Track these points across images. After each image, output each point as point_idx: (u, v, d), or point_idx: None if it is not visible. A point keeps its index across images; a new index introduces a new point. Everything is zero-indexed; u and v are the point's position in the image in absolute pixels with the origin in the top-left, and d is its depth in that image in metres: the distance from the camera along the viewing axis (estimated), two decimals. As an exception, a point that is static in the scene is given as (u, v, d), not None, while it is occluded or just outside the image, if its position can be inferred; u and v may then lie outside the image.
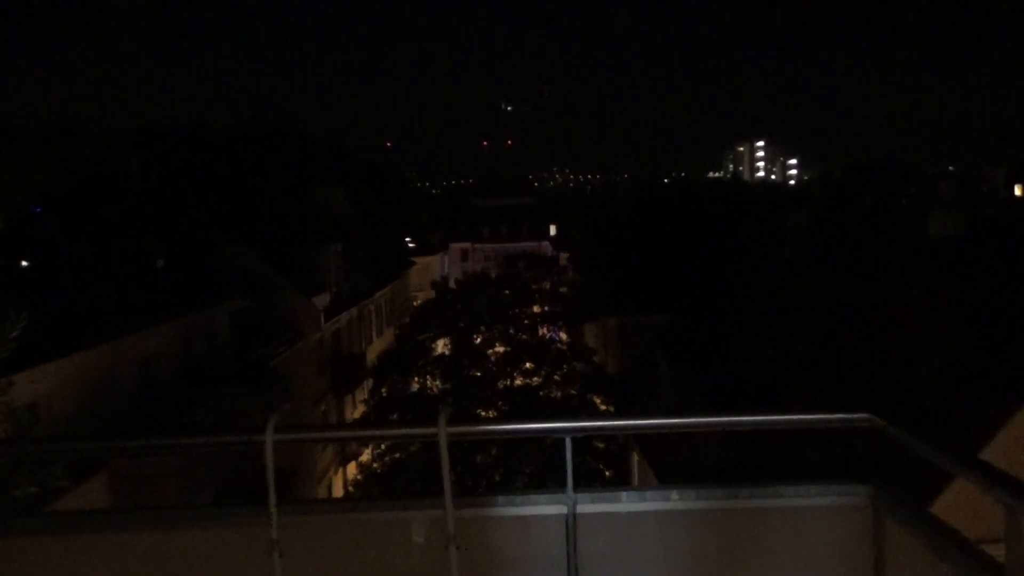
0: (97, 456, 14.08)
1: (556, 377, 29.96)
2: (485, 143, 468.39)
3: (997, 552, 2.23)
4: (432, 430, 2.62)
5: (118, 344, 19.67)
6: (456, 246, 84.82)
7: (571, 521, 2.77)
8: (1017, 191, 76.51)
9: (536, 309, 33.81)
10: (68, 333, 17.96)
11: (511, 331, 31.79)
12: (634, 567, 2.82)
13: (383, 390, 31.14)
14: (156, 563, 2.79)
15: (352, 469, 34.38)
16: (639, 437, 19.31)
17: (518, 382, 30.01)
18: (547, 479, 24.33)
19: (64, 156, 31.65)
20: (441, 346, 33.05)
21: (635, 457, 22.73)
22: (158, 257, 24.75)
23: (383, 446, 27.84)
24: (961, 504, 9.94)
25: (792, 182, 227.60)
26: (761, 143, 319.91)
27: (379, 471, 28.38)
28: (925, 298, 16.40)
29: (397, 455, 27.40)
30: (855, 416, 2.71)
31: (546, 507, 2.81)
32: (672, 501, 2.82)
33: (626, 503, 2.82)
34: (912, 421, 2.56)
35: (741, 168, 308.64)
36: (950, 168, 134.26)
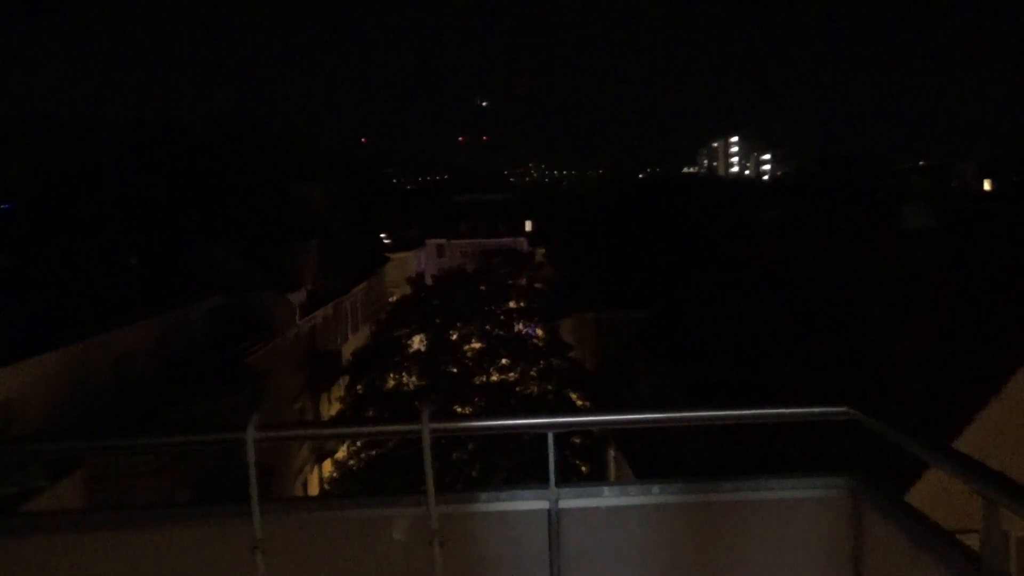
0: (74, 455, 13.97)
1: (533, 373, 29.98)
2: (461, 139, 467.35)
3: (971, 542, 2.27)
4: (416, 427, 2.62)
5: (93, 342, 19.51)
6: (432, 242, 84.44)
7: (554, 516, 2.78)
8: (986, 185, 77.45)
9: (512, 305, 33.75)
10: (42, 331, 17.77)
11: (487, 327, 31.74)
12: (616, 561, 2.84)
13: (359, 387, 31.02)
14: (137, 563, 2.77)
15: (328, 466, 34.25)
16: (615, 431, 19.37)
17: (494, 378, 29.99)
18: (525, 474, 24.35)
19: (38, 152, 31.26)
20: (417, 342, 32.96)
21: (611, 452, 22.80)
22: (133, 254, 24.54)
23: (359, 443, 27.76)
24: (934, 494, 10.07)
25: (766, 177, 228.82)
26: (735, 139, 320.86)
27: (355, 468, 28.30)
28: (900, 290, 16.57)
29: (374, 452, 27.33)
30: (833, 409, 2.74)
31: (529, 503, 2.82)
32: (654, 495, 2.84)
33: (608, 498, 2.84)
34: (890, 413, 2.59)
35: (716, 163, 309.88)
36: (921, 163, 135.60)
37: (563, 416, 3.00)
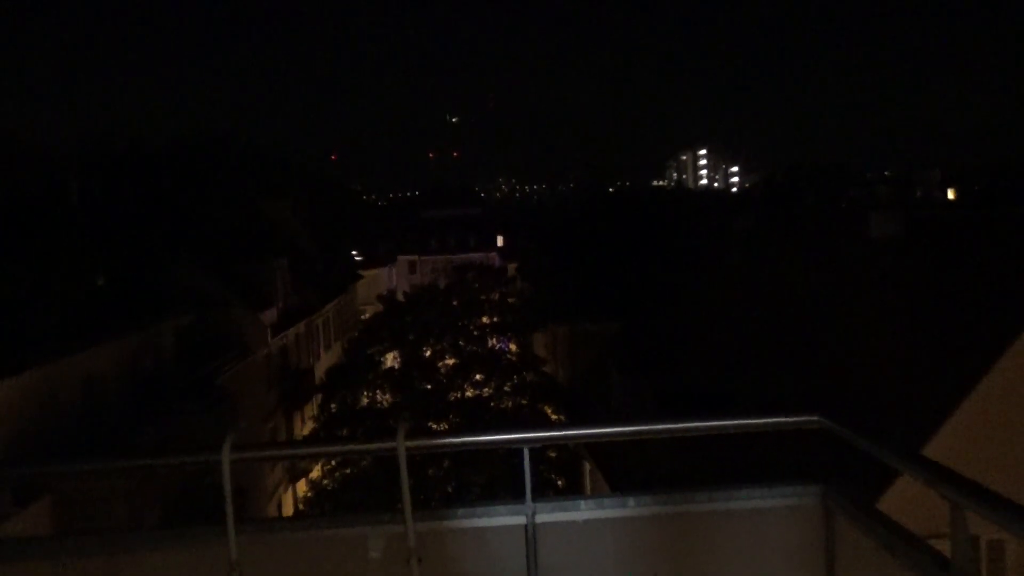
0: (43, 479, 13.76)
1: (507, 388, 29.97)
2: (431, 155, 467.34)
3: (943, 546, 2.30)
4: (391, 445, 2.62)
5: (60, 365, 19.20)
6: (403, 258, 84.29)
7: (531, 531, 2.79)
8: (950, 194, 78.56)
9: (485, 320, 33.79)
10: (7, 355, 17.48)
11: (461, 343, 31.73)
12: (594, 574, 2.84)
13: (332, 406, 30.84)
14: None
15: (302, 486, 33.97)
16: (591, 445, 19.39)
17: (469, 394, 29.95)
18: (500, 489, 24.33)
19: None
20: (391, 359, 32.85)
21: (587, 466, 22.82)
22: (100, 274, 24.22)
23: (333, 462, 27.59)
24: (907, 499, 10.17)
25: (734, 189, 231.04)
26: (703, 151, 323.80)
27: (330, 487, 28.09)
28: (868, 298, 16.77)
29: (348, 470, 27.16)
30: (804, 418, 2.78)
31: (505, 518, 2.82)
32: (630, 508, 2.86)
33: (584, 511, 2.85)
34: (859, 420, 2.63)
35: (684, 176, 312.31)
36: (886, 173, 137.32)
37: (538, 431, 3.01)
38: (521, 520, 2.80)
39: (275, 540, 2.79)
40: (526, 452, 2.82)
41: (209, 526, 2.70)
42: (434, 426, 26.78)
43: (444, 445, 3.09)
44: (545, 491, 24.73)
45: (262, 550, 2.73)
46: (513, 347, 34.36)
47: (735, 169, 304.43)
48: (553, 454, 26.12)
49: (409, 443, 2.63)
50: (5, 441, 16.55)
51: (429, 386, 29.85)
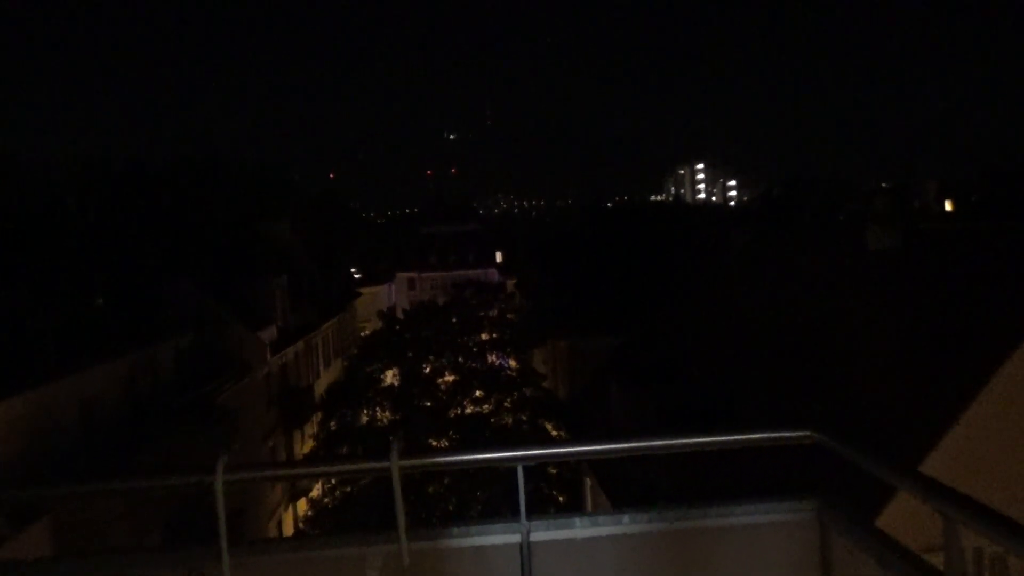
0: (39, 501, 13.72)
1: (506, 404, 29.95)
2: (430, 172, 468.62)
3: (940, 561, 2.30)
4: (385, 464, 2.62)
5: (58, 385, 19.16)
6: (403, 275, 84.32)
7: (525, 549, 2.78)
8: (948, 206, 78.54)
9: (484, 336, 33.83)
10: (4, 376, 17.46)
11: (460, 359, 31.73)
12: None
13: (332, 424, 30.80)
14: None
15: (303, 505, 33.87)
16: (592, 461, 19.34)
17: (468, 410, 29.93)
18: (501, 507, 24.24)
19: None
20: (390, 377, 32.83)
21: (588, 482, 22.73)
22: (98, 293, 24.23)
23: (333, 480, 27.53)
24: (906, 514, 10.12)
25: (732, 203, 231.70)
26: (701, 165, 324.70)
27: (330, 506, 28.03)
28: (867, 311, 16.75)
29: (348, 489, 27.10)
30: (797, 434, 2.78)
31: (500, 536, 2.81)
32: (625, 525, 2.85)
33: (579, 529, 2.84)
34: (854, 435, 2.63)
35: (683, 191, 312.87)
36: (883, 184, 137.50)
37: (532, 449, 3.00)
38: (516, 539, 2.79)
39: (269, 561, 2.79)
40: (520, 470, 2.82)
41: (204, 547, 2.70)
42: (434, 443, 26.74)
43: (438, 464, 3.08)
44: (546, 508, 24.64)
45: (256, 571, 2.72)
46: (513, 363, 34.34)
47: (733, 183, 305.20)
48: (554, 471, 26.05)
49: (403, 462, 2.62)
50: (1, 463, 16.50)
51: (429, 403, 29.82)
